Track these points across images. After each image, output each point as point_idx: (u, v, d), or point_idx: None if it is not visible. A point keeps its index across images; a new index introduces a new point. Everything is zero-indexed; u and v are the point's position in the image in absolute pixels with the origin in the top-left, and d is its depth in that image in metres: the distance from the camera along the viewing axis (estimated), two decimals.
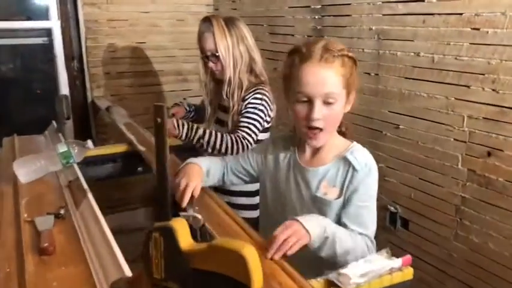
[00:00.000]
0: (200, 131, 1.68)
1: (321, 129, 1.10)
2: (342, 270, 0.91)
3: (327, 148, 1.18)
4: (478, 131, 1.60)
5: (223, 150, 1.66)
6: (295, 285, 0.83)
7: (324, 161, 1.18)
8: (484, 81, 1.55)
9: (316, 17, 2.33)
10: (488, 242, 1.62)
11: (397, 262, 0.92)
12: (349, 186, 1.14)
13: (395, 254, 0.97)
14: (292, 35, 2.53)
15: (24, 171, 1.31)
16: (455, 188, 1.72)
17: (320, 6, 2.29)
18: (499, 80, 1.51)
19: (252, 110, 1.74)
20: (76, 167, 1.40)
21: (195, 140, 1.69)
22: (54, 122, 1.93)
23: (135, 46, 3.19)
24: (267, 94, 1.81)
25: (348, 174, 1.14)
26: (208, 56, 1.81)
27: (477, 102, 1.59)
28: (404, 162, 1.92)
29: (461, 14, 1.60)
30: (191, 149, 2.01)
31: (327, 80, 1.06)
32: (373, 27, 1.98)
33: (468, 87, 1.61)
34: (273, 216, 1.26)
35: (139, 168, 1.80)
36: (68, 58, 2.99)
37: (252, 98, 1.77)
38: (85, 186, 1.24)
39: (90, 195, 1.18)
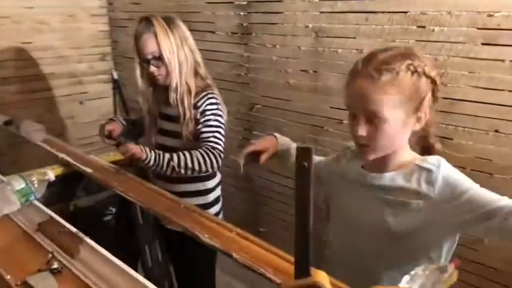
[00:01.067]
0: (167, 155, 1.52)
1: (367, 145, 1.01)
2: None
3: (391, 158, 1.06)
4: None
5: (196, 167, 1.52)
6: None
7: (387, 169, 1.06)
8: None
9: (242, 13, 2.26)
10: None
11: (449, 268, 0.93)
12: (434, 192, 0.99)
13: None
14: (213, 32, 2.43)
15: None
16: None
17: (246, 2, 2.23)
18: (448, 74, 1.62)
19: (212, 117, 1.63)
20: (39, 204, 1.15)
21: (164, 165, 1.51)
22: None
23: (20, 47, 2.77)
24: (218, 97, 1.71)
25: (423, 178, 1.01)
26: (148, 60, 1.63)
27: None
28: None
29: (406, 12, 1.68)
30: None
31: (368, 96, 0.96)
32: (310, 25, 1.99)
33: None
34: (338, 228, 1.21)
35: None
36: None
37: (208, 105, 1.65)
38: (72, 228, 1.03)
39: (85, 238, 0.98)
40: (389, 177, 1.04)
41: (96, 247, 0.96)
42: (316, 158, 1.35)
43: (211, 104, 1.65)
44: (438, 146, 1.12)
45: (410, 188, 1.01)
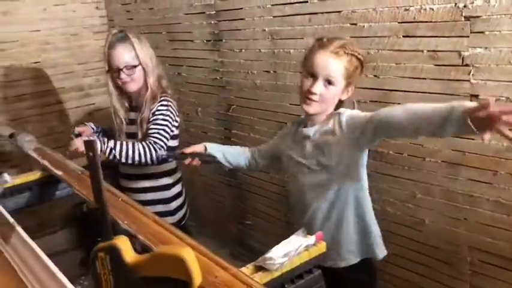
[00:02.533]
0: (111, 143, 1.73)
1: (315, 101, 1.39)
2: (267, 255, 1.04)
3: (320, 119, 1.47)
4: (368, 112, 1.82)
5: (136, 158, 1.73)
6: (229, 275, 0.94)
7: (317, 121, 1.48)
8: (367, 69, 1.76)
9: (212, 22, 2.44)
10: (386, 207, 1.86)
11: (312, 239, 1.07)
12: (342, 123, 1.40)
13: None
14: (192, 41, 2.63)
15: None
16: None
17: (214, 11, 2.40)
18: (378, 66, 1.73)
19: (160, 116, 1.83)
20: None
21: (107, 153, 1.72)
22: None
23: (29, 67, 3.08)
24: (172, 102, 1.90)
25: (338, 121, 1.42)
26: (121, 69, 1.84)
27: (363, 88, 1.80)
28: None
29: (340, 11, 1.80)
30: (111, 167, 2.05)
31: (331, 65, 1.36)
32: (266, 29, 2.14)
33: None
34: (293, 182, 1.57)
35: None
36: None
37: (159, 106, 1.85)
38: (11, 219, 1.25)
39: (18, 228, 1.19)
40: (317, 127, 1.46)
41: (24, 236, 1.16)
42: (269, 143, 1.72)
43: (162, 105, 1.86)
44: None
45: (328, 130, 1.42)
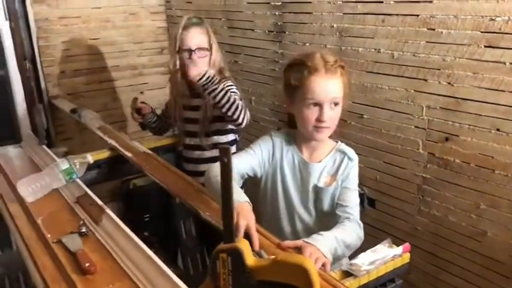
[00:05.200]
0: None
1: (327, 127, 1.33)
2: (353, 261, 1.07)
3: (322, 146, 1.41)
4: (436, 119, 1.81)
5: (239, 105, 1.76)
6: (321, 280, 0.97)
7: (321, 157, 1.41)
8: (440, 76, 1.75)
9: (277, 13, 2.44)
10: (448, 215, 1.86)
11: (399, 250, 1.09)
12: (344, 172, 1.38)
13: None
14: (252, 30, 2.63)
15: (30, 191, 1.34)
16: (417, 169, 1.93)
17: (280, 3, 2.40)
18: (454, 74, 1.71)
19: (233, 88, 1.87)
20: (80, 182, 1.45)
21: (215, 91, 1.74)
22: (31, 133, 1.93)
23: (88, 43, 3.15)
24: (234, 84, 1.94)
25: (343, 163, 1.40)
26: (192, 50, 1.87)
27: (434, 94, 1.79)
28: (369, 148, 2.11)
29: (417, 15, 1.78)
30: (171, 150, 2.11)
31: (333, 88, 1.30)
32: (335, 25, 2.13)
33: (426, 80, 1.81)
34: (277, 205, 1.44)
35: None
36: (20, 59, 2.89)
37: (227, 86, 1.87)
38: (99, 201, 1.31)
39: (108, 210, 1.25)
40: (323, 165, 1.39)
41: (115, 219, 1.22)
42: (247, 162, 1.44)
43: (229, 85, 1.88)
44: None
45: (333, 172, 1.38)
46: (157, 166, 1.67)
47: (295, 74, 1.33)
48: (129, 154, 1.79)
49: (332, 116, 1.31)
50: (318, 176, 1.38)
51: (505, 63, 1.57)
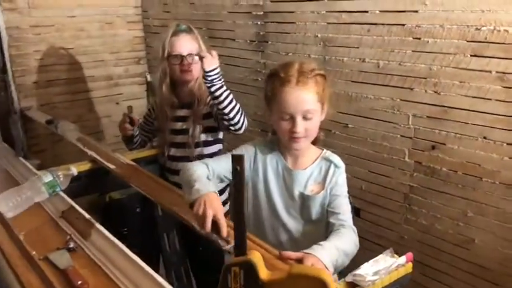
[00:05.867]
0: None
1: (302, 137, 1.29)
2: (357, 272, 1.04)
3: (306, 153, 1.38)
4: (423, 127, 1.82)
5: (240, 109, 1.72)
6: None
7: (306, 164, 1.37)
8: (427, 84, 1.77)
9: (259, 22, 2.43)
10: (435, 223, 1.86)
11: (402, 259, 1.07)
12: (332, 180, 1.35)
13: None
14: (233, 39, 2.61)
15: (11, 205, 1.26)
16: (403, 178, 1.94)
17: (262, 12, 2.39)
18: (440, 83, 1.73)
19: None
20: (64, 195, 1.37)
21: (222, 88, 1.68)
22: (5, 144, 1.84)
23: (62, 52, 3.06)
24: None
25: (330, 170, 1.36)
26: (183, 56, 1.83)
27: (421, 103, 1.80)
28: (354, 157, 2.11)
29: (403, 24, 1.79)
30: (154, 161, 2.04)
31: (304, 100, 1.25)
32: (319, 35, 2.13)
33: (412, 89, 1.82)
34: (260, 214, 1.40)
35: None
36: None
37: None
38: (86, 215, 1.24)
39: (97, 224, 1.18)
40: (308, 173, 1.35)
41: (105, 232, 1.16)
42: (226, 164, 1.37)
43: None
44: (321, 135, 1.41)
45: (319, 180, 1.35)
46: (142, 178, 1.61)
47: (270, 84, 1.31)
48: (112, 166, 1.72)
49: (307, 127, 1.27)
50: (304, 184, 1.35)
51: (491, 71, 1.59)
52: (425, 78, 1.77)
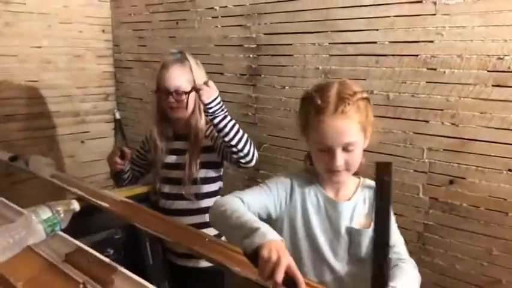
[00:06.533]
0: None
1: (343, 170, 1.13)
2: None
3: (346, 183, 1.22)
4: (439, 161, 1.74)
5: (248, 141, 1.57)
6: None
7: (348, 195, 1.22)
8: (443, 116, 1.70)
9: (251, 55, 2.32)
10: (455, 263, 1.75)
11: None
12: None
13: None
14: (221, 73, 2.48)
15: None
16: (417, 215, 1.83)
17: (255, 45, 2.29)
18: (458, 114, 1.67)
19: None
20: (64, 234, 1.13)
21: (226, 118, 1.54)
22: None
23: (25, 85, 2.78)
24: None
25: (368, 197, 1.22)
26: (171, 92, 1.66)
27: (437, 135, 1.73)
28: None
29: (416, 55, 1.74)
30: (145, 200, 1.81)
31: (345, 131, 1.09)
32: (320, 67, 2.05)
33: (427, 122, 1.75)
34: (300, 253, 1.20)
35: None
36: None
37: None
38: (101, 256, 1.00)
39: (119, 267, 0.95)
40: (353, 205, 1.20)
41: (131, 276, 0.93)
42: (260, 199, 1.19)
43: None
44: (363, 163, 1.22)
45: (365, 212, 1.19)
46: (148, 217, 1.39)
47: (304, 111, 1.15)
48: (105, 204, 1.48)
49: (348, 159, 1.11)
50: (349, 217, 1.20)
51: None
52: (441, 110, 1.71)
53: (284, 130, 2.24)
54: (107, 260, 0.99)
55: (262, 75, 2.29)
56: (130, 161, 1.83)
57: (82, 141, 3.10)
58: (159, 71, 1.71)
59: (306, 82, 2.11)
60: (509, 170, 1.58)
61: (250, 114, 2.38)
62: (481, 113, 1.62)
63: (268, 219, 1.19)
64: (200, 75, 1.72)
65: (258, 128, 2.36)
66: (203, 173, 1.73)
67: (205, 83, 1.54)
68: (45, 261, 1.04)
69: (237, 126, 1.56)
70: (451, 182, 1.73)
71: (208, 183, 1.75)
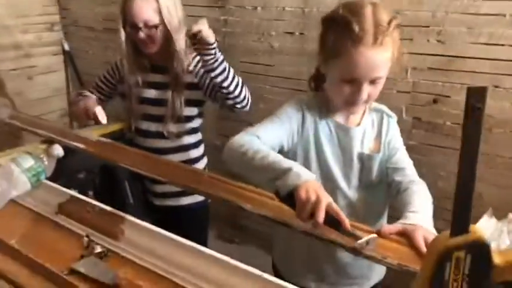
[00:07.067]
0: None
1: (363, 103, 1.06)
2: None
3: None
4: (423, 80, 1.71)
5: (243, 86, 1.47)
6: None
7: (358, 119, 1.15)
8: (430, 33, 1.64)
9: None
10: (438, 181, 1.78)
11: None
12: (388, 133, 1.16)
13: None
14: None
15: None
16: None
17: None
18: (445, 31, 1.61)
19: None
20: (52, 183, 1.00)
21: (224, 61, 1.43)
22: None
23: None
24: None
25: (384, 122, 1.17)
26: (139, 27, 1.47)
27: (422, 54, 1.68)
28: None
29: None
30: (119, 138, 1.68)
31: (378, 65, 0.98)
32: None
33: (411, 39, 1.69)
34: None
35: None
36: None
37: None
38: (102, 205, 0.90)
39: (124, 215, 0.86)
40: (362, 129, 1.14)
41: (142, 224, 0.84)
42: (273, 132, 1.10)
43: None
44: None
45: (374, 136, 1.15)
46: (132, 156, 1.27)
47: (336, 36, 1.00)
48: (80, 145, 1.34)
49: (371, 92, 1.03)
50: (360, 142, 1.14)
51: (505, 15, 1.50)
52: (427, 27, 1.65)
53: (257, 56, 2.12)
54: (109, 208, 0.89)
55: None
56: (95, 89, 1.66)
57: (29, 77, 2.83)
58: (122, 2, 1.51)
59: (280, 1, 1.97)
60: (496, 86, 1.58)
61: (218, 39, 2.21)
62: (469, 29, 1.58)
63: (280, 151, 1.11)
64: (169, 5, 1.52)
65: (227, 55, 2.19)
66: (187, 111, 1.60)
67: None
68: (37, 214, 0.92)
69: (232, 70, 1.45)
70: (435, 101, 1.71)
71: (191, 121, 1.63)
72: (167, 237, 0.82)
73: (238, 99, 1.45)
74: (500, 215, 1.63)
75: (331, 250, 1.14)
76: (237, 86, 1.44)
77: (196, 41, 1.33)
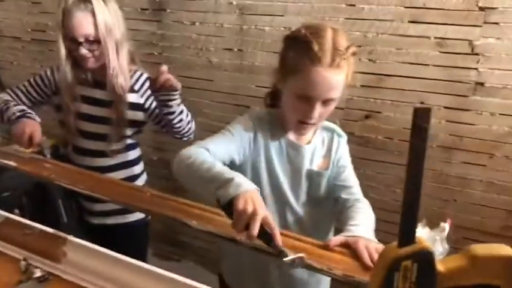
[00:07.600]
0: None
1: (313, 124, 1.09)
2: None
3: None
4: (356, 97, 1.80)
5: (191, 120, 1.50)
6: None
7: (309, 137, 1.19)
8: (361, 53, 1.73)
9: None
10: (369, 192, 1.85)
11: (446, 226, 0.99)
12: (338, 151, 1.21)
13: None
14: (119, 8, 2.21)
15: None
16: None
17: None
18: (376, 51, 1.71)
19: None
20: None
21: (181, 104, 1.43)
22: None
23: None
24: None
25: (334, 141, 1.21)
26: (80, 42, 1.41)
27: (354, 72, 1.76)
28: None
29: None
30: (53, 154, 1.60)
31: (333, 87, 1.02)
32: (234, 2, 1.93)
33: None
34: (263, 196, 1.13)
35: None
36: None
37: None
38: (40, 226, 0.85)
39: (67, 236, 0.82)
40: (313, 147, 1.18)
41: (86, 244, 0.81)
42: (224, 146, 1.10)
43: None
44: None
45: (324, 154, 1.20)
46: (65, 172, 1.22)
47: (295, 54, 1.03)
48: (11, 163, 1.27)
49: (322, 113, 1.06)
50: (310, 160, 1.18)
51: (429, 37, 1.62)
52: (359, 46, 1.73)
53: (195, 70, 2.12)
54: (50, 230, 0.84)
55: (168, 10, 2.10)
56: (27, 98, 1.57)
57: None
58: (60, 16, 1.43)
59: (218, 18, 1.99)
60: (421, 102, 1.69)
61: (155, 53, 2.20)
62: (397, 49, 1.68)
63: (231, 165, 1.11)
64: (105, 19, 1.46)
65: None
66: (130, 130, 1.56)
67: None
68: None
69: (185, 109, 1.47)
70: (367, 117, 1.80)
71: (132, 137, 1.59)
72: (112, 257, 0.79)
73: (185, 133, 1.50)
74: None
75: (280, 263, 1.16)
76: (188, 123, 1.47)
77: (159, 86, 1.32)
